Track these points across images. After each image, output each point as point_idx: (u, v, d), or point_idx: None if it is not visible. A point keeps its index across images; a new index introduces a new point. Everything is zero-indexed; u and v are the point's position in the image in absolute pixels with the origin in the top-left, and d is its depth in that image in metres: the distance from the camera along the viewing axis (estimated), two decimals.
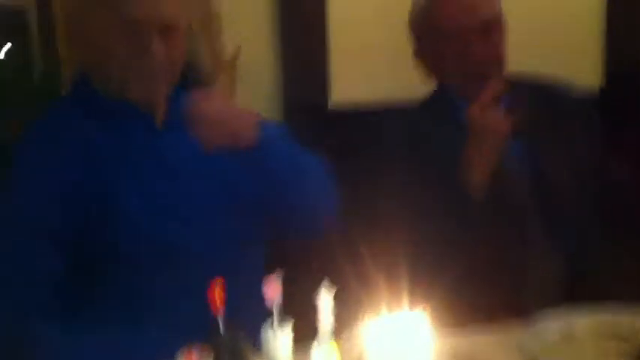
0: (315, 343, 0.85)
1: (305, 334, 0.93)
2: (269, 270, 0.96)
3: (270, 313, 0.92)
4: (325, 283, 0.94)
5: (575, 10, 2.70)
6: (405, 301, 0.86)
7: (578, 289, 1.70)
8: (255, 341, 0.92)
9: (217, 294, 0.87)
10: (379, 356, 0.79)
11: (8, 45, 1.97)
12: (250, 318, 0.90)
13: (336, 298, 0.93)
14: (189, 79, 1.55)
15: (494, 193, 1.67)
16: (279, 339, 0.90)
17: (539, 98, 1.87)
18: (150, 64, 1.40)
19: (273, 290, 0.91)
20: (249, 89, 2.45)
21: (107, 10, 1.39)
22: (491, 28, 1.79)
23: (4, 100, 1.97)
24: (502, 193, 1.68)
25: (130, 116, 1.47)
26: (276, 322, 0.91)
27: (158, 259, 1.42)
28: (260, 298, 0.92)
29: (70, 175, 1.41)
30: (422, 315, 0.85)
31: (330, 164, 1.64)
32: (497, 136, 1.67)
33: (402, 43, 2.28)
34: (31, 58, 2.17)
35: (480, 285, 1.60)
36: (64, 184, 1.40)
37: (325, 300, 0.93)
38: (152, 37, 1.37)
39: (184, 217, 1.46)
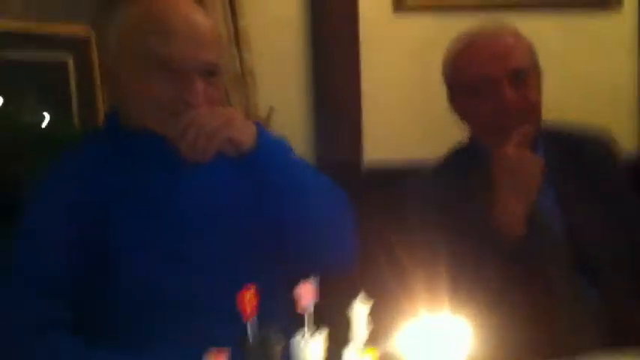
0: (346, 351, 0.80)
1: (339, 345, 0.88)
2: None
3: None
4: (361, 295, 0.90)
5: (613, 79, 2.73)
6: (443, 304, 0.81)
7: (615, 336, 1.62)
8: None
9: (248, 299, 0.84)
10: None
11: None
12: None
13: (372, 309, 0.89)
14: None
15: (529, 239, 1.63)
16: (311, 347, 0.85)
17: (572, 148, 1.84)
18: (192, 103, 1.41)
19: (306, 296, 0.88)
20: None
21: (151, 56, 1.42)
22: (523, 77, 1.77)
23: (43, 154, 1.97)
24: (536, 238, 1.64)
25: (156, 149, 1.47)
26: (307, 330, 0.86)
27: (159, 308, 1.39)
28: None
29: (76, 220, 1.41)
30: (460, 319, 0.80)
31: (365, 222, 1.62)
32: (529, 178, 1.64)
33: (433, 103, 2.33)
34: (72, 112, 2.21)
35: (519, 329, 1.54)
36: (70, 230, 1.40)
37: (360, 311, 0.89)
38: (195, 78, 1.38)
39: (188, 268, 1.44)
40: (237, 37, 2.36)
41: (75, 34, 2.17)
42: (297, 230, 1.42)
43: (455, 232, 1.67)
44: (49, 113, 2.12)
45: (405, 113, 2.61)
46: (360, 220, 1.61)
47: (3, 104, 2.06)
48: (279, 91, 2.53)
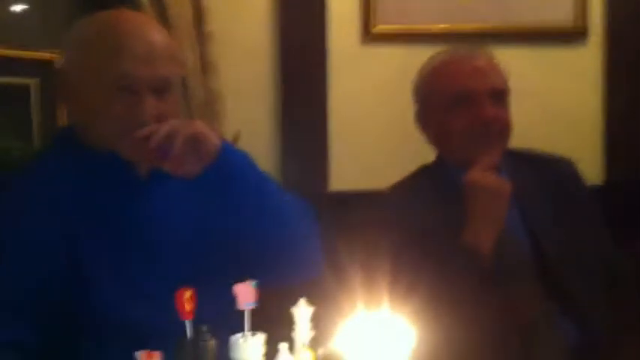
0: (280, 349, 0.77)
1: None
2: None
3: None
4: (303, 299, 0.88)
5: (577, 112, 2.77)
6: (384, 302, 0.79)
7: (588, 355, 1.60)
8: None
9: (186, 299, 0.81)
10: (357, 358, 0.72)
11: None
12: None
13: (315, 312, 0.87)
14: None
15: (499, 258, 1.62)
16: (250, 346, 0.83)
17: (537, 169, 1.85)
18: (142, 120, 1.40)
19: (244, 295, 0.85)
20: None
21: (108, 74, 1.41)
22: (501, 97, 1.80)
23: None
24: (505, 257, 1.63)
25: (114, 167, 1.45)
26: (247, 327, 0.84)
27: (127, 333, 1.35)
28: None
29: (42, 237, 1.37)
30: (400, 317, 0.78)
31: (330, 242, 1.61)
32: (499, 199, 1.64)
33: (399, 136, 2.35)
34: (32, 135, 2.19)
35: (489, 351, 1.51)
36: (38, 251, 1.36)
37: (303, 313, 0.86)
38: (145, 94, 1.37)
39: (156, 294, 1.39)
40: (203, 64, 2.37)
41: (38, 59, 2.15)
42: (263, 239, 1.40)
43: (422, 253, 1.65)
44: (10, 136, 2.10)
45: (373, 142, 2.63)
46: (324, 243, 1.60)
47: None
48: (247, 117, 2.54)
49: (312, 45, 2.58)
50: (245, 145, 2.45)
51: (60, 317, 1.34)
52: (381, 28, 2.61)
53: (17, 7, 2.45)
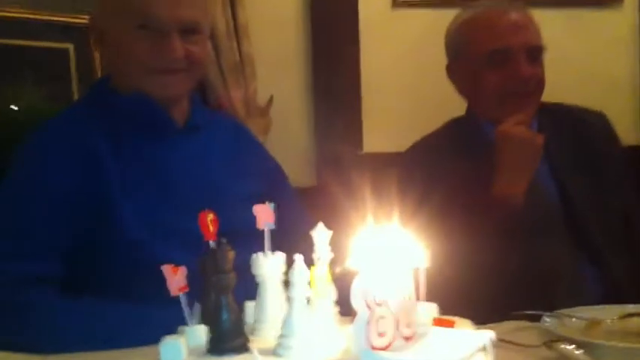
0: (295, 259, 0.81)
1: None
2: None
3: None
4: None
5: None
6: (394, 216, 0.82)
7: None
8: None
9: (209, 220, 0.85)
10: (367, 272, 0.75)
11: None
12: None
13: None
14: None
15: (527, 208, 1.64)
16: (269, 262, 0.87)
17: (570, 122, 1.85)
18: (169, 59, 1.44)
19: (262, 216, 0.89)
20: (284, 135, 2.52)
21: (131, 15, 1.45)
22: (537, 54, 1.79)
23: None
24: (533, 207, 1.64)
25: (148, 115, 1.49)
26: (267, 246, 0.88)
27: (151, 270, 1.38)
28: None
29: (72, 180, 1.40)
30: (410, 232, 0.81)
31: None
32: (530, 150, 1.65)
33: (431, 95, 2.36)
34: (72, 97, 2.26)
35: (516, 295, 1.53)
36: (67, 188, 1.40)
37: (321, 234, 0.90)
38: (172, 34, 1.40)
39: (183, 234, 1.42)
40: (236, 27, 2.40)
41: (76, 23, 2.21)
42: None
43: (451, 204, 1.67)
44: (50, 98, 2.16)
45: (403, 105, 2.62)
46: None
47: (5, 88, 2.10)
48: (280, 82, 2.56)
49: (343, 9, 2.59)
50: (278, 109, 2.51)
51: (87, 252, 1.38)
52: None
53: None
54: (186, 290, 0.81)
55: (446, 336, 0.78)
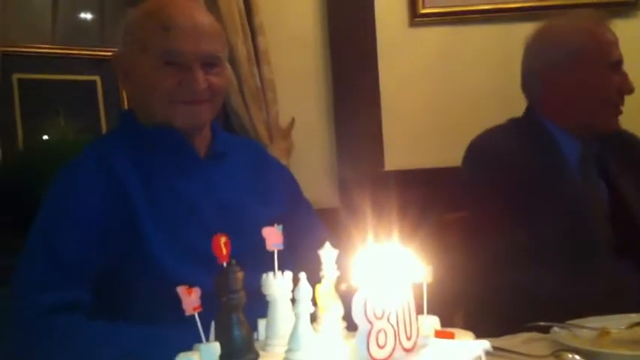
0: (300, 277, 0.86)
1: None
2: None
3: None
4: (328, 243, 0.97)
5: None
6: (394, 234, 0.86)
7: None
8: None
9: (223, 244, 0.90)
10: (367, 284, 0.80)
11: None
12: None
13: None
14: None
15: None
16: (278, 282, 0.92)
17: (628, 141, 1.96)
18: (194, 91, 1.50)
19: (271, 237, 0.94)
20: (306, 157, 2.57)
21: (156, 52, 1.52)
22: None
23: None
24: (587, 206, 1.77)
25: (172, 145, 1.54)
26: (276, 266, 0.93)
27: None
28: None
29: (102, 210, 1.44)
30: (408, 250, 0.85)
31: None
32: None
33: (450, 111, 2.39)
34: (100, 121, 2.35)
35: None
36: (96, 218, 1.43)
37: (328, 253, 0.95)
38: (196, 67, 1.47)
39: (204, 257, 1.47)
40: (256, 54, 2.47)
41: (102, 56, 2.30)
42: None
43: (517, 201, 1.74)
44: (80, 129, 2.25)
45: (423, 122, 2.66)
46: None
47: (38, 120, 2.19)
48: (301, 104, 2.62)
49: (361, 30, 2.64)
50: (300, 131, 2.57)
51: (115, 277, 1.43)
52: (428, 10, 2.65)
53: (84, 14, 2.62)
54: (200, 310, 0.86)
55: (444, 347, 0.82)
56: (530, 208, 1.73)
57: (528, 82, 1.96)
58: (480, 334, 1.20)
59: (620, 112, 1.87)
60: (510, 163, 1.79)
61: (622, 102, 1.86)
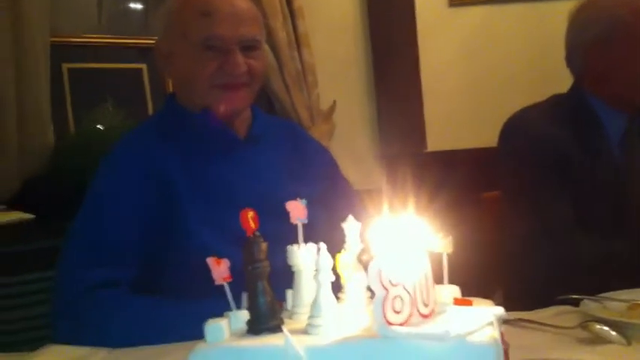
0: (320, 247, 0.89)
1: None
2: None
3: None
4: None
5: None
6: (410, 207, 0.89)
7: None
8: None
9: (250, 218, 0.94)
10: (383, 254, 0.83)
11: None
12: None
13: None
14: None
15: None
16: (302, 253, 0.95)
17: None
18: (234, 74, 1.55)
19: (295, 211, 0.98)
20: (348, 139, 2.61)
21: (197, 37, 1.56)
22: None
23: None
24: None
25: (212, 128, 1.59)
26: (300, 238, 0.97)
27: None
28: None
29: (144, 191, 1.49)
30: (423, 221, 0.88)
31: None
32: None
33: (489, 92, 2.39)
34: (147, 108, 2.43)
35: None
36: (139, 199, 1.48)
37: (352, 226, 0.98)
38: (235, 51, 1.51)
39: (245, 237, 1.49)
40: (296, 38, 2.50)
41: (148, 44, 2.37)
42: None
43: (560, 179, 1.75)
44: (128, 115, 2.33)
45: (463, 102, 2.67)
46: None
47: (88, 107, 2.28)
48: (342, 87, 2.65)
49: (400, 12, 2.65)
50: (342, 112, 2.60)
51: (158, 256, 1.48)
52: None
53: (129, 3, 2.70)
54: (229, 280, 0.90)
55: (460, 313, 0.84)
56: (560, 186, 1.72)
57: (572, 57, 1.94)
58: (515, 309, 1.23)
59: None
60: (542, 141, 1.78)
61: None
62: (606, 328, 1.09)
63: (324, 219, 1.41)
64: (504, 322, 1.19)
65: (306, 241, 0.99)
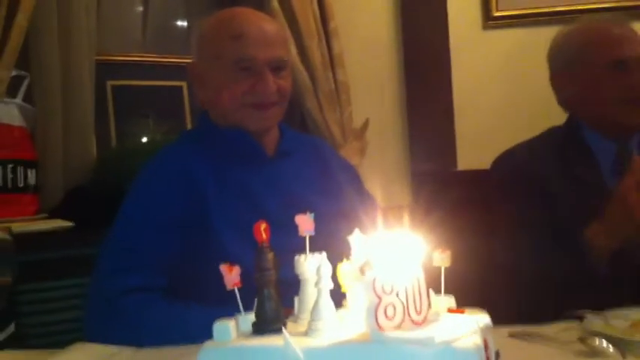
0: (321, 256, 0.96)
1: None
2: None
3: None
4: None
5: None
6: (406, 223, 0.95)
7: None
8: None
9: (263, 229, 1.02)
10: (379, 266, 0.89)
11: None
12: None
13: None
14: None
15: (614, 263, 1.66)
16: (308, 263, 1.02)
17: None
18: (265, 94, 1.63)
19: (303, 224, 1.05)
20: (379, 157, 2.66)
21: (230, 58, 1.65)
22: None
23: None
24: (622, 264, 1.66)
25: (243, 144, 1.67)
26: (307, 249, 1.03)
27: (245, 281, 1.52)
28: None
29: (177, 203, 1.55)
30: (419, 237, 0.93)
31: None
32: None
33: (515, 121, 2.46)
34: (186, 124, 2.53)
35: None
36: (172, 210, 1.55)
37: (357, 239, 1.05)
38: (266, 72, 1.60)
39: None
40: (331, 58, 2.58)
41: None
42: None
43: (543, 213, 1.75)
44: (168, 131, 2.43)
45: (495, 123, 2.69)
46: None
47: (130, 122, 2.39)
48: (375, 106, 2.71)
49: (434, 32, 2.71)
50: (374, 131, 2.66)
51: (188, 264, 1.56)
52: (502, 13, 2.69)
53: (172, 22, 2.82)
54: (239, 286, 0.97)
55: (451, 321, 0.90)
56: (542, 221, 1.73)
57: (552, 86, 1.97)
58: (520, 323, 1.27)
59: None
60: (524, 175, 1.81)
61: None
62: (604, 341, 1.12)
63: (347, 232, 1.48)
64: (510, 334, 1.25)
65: (327, 252, 1.05)
